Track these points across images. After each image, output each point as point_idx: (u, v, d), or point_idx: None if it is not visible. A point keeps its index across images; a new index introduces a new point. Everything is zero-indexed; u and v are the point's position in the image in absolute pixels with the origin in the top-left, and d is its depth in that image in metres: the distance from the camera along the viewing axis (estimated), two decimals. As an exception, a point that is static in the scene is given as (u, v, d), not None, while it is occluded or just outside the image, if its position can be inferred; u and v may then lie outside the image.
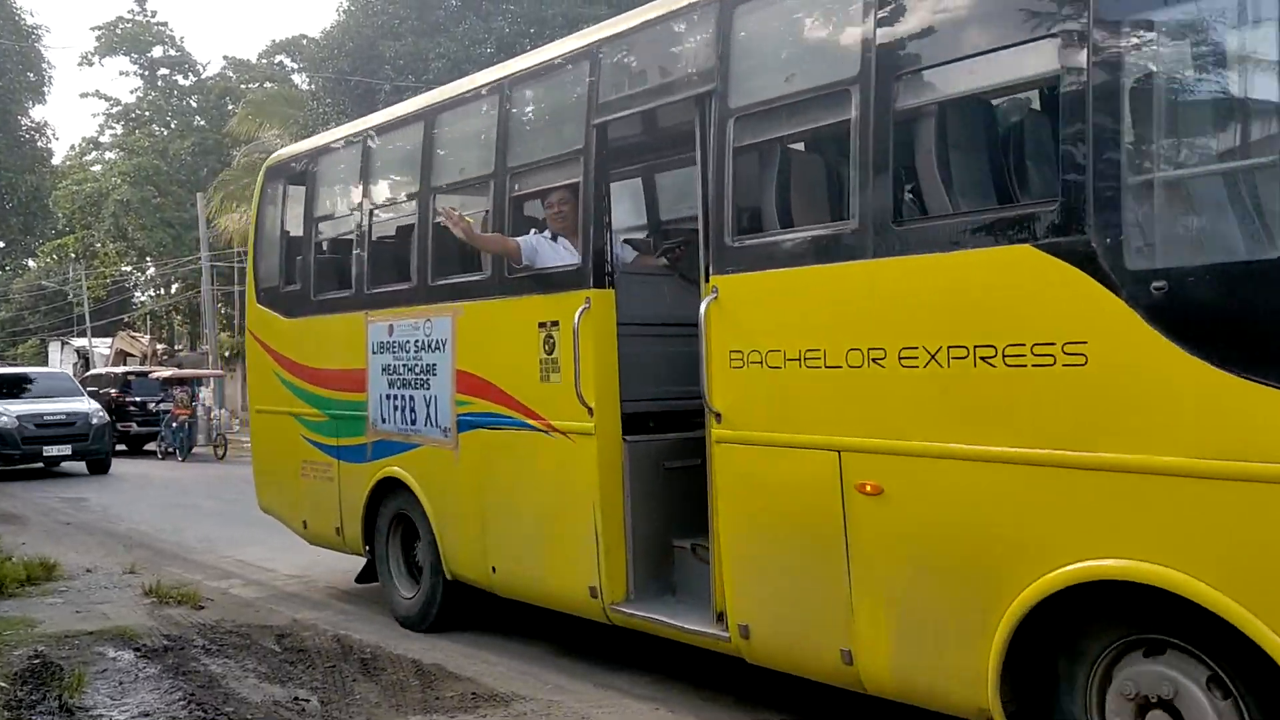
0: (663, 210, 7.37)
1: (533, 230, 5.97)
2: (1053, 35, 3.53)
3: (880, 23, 4.03)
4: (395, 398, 6.83)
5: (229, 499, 13.60)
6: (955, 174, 3.99)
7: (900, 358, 3.92)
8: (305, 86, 33.32)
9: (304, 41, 36.67)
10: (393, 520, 7.08)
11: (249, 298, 8.74)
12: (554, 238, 5.81)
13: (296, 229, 8.08)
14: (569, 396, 5.35)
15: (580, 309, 5.26)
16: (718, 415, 4.66)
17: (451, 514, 6.45)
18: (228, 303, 39.37)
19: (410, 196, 6.94)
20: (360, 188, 7.31)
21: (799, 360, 4.28)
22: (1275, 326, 3.01)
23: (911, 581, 3.96)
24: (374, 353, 7.01)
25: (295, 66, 39.50)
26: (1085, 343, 3.39)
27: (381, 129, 7.39)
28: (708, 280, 4.71)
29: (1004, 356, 3.60)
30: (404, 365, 6.74)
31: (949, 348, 3.77)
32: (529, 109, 6.16)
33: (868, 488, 4.05)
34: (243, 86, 42.14)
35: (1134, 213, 3.32)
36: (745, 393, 4.55)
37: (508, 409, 5.88)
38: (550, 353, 5.55)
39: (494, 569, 6.14)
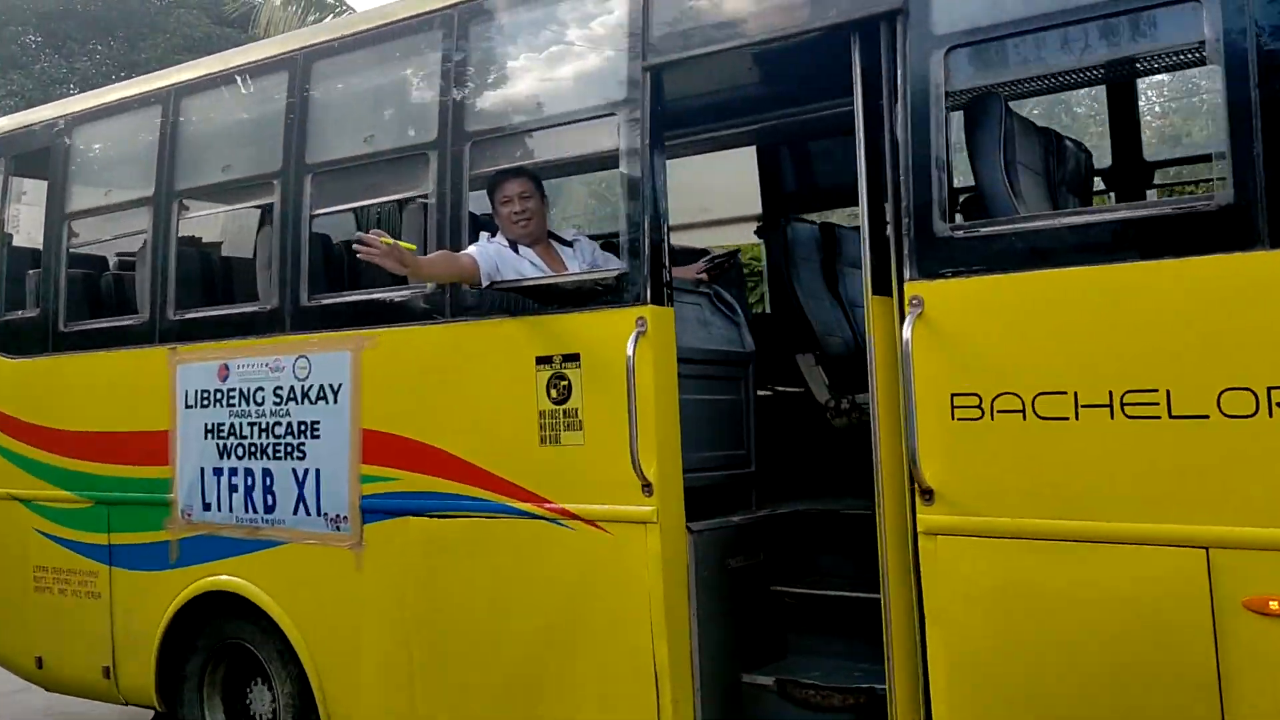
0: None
1: (483, 235, 4.01)
2: None
3: None
4: (232, 472, 4.58)
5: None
6: None
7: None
8: None
9: None
10: (212, 659, 4.82)
11: None
12: (514, 247, 3.98)
13: (30, 229, 5.65)
14: (601, 466, 3.55)
15: (634, 334, 3.42)
16: (927, 494, 2.99)
17: (345, 652, 4.24)
18: None
19: (263, 176, 4.62)
20: (162, 164, 4.91)
21: (1109, 407, 2.72)
22: None
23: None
24: (187, 406, 4.73)
25: None
26: None
27: (213, 81, 4.90)
28: (894, 292, 3.11)
29: None
30: (250, 424, 4.53)
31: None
32: (497, 39, 4.06)
33: (1271, 605, 2.50)
34: None
35: None
36: (985, 459, 2.92)
37: (471, 486, 3.87)
38: (561, 401, 3.65)
39: None
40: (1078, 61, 3.24)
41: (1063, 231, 2.91)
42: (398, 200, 4.60)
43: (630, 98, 3.56)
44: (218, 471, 4.63)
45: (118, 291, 5.32)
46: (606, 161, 4.10)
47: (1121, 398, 2.71)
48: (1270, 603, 2.51)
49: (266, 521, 4.48)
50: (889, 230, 3.13)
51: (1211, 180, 3.62)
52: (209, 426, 4.65)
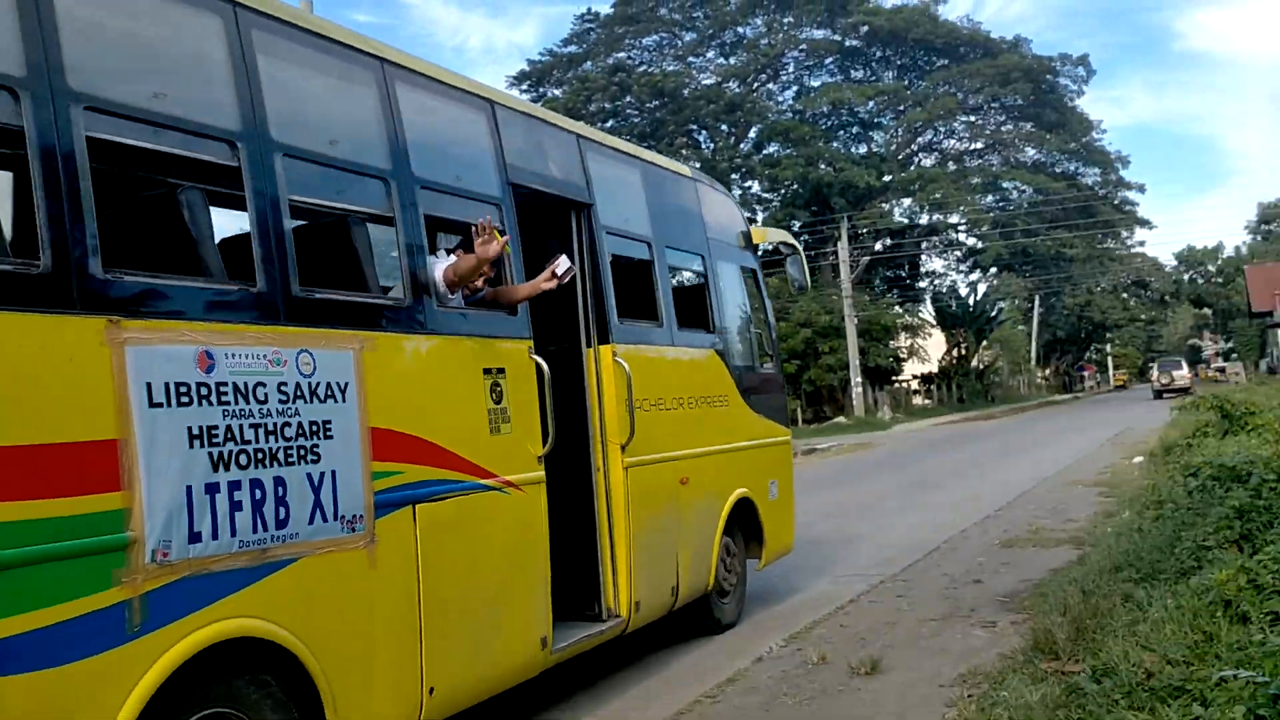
0: None
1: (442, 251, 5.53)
2: None
3: None
4: (234, 486, 3.77)
5: None
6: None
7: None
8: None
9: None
10: None
11: None
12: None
13: None
14: (519, 447, 5.62)
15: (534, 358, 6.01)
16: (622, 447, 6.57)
17: (359, 656, 4.27)
18: None
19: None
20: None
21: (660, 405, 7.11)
22: None
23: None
24: (153, 405, 3.51)
25: None
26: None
27: None
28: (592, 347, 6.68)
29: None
30: (253, 426, 3.87)
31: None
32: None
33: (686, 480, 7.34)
34: None
35: None
36: (637, 428, 6.62)
37: (454, 471, 4.93)
38: (499, 402, 5.52)
39: (431, 691, 4.63)
40: None
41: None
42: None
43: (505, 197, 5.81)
44: (212, 488, 3.68)
45: None
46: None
47: (660, 400, 7.05)
48: (684, 479, 7.23)
49: (278, 539, 3.91)
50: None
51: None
52: (194, 431, 3.64)
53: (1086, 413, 44.92)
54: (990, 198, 58.65)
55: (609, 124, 52.14)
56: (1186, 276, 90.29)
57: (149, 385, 3.49)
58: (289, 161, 4.29)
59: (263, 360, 3.95)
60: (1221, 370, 66.21)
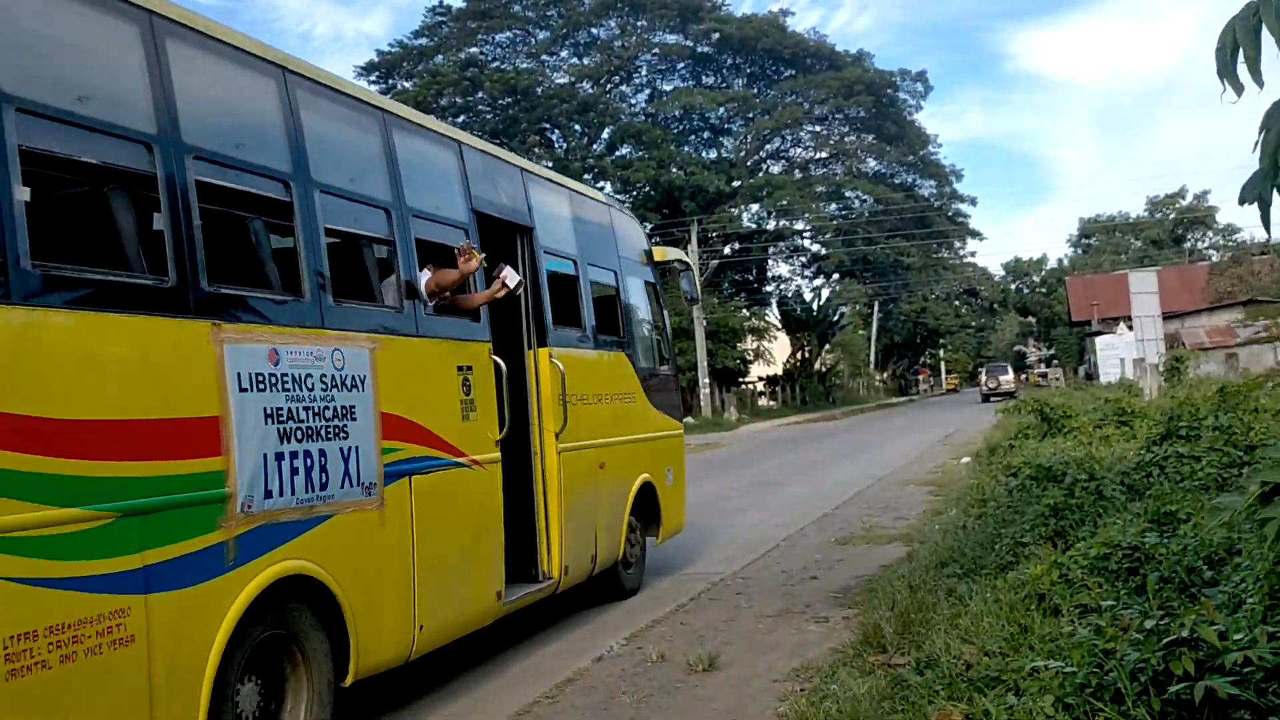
0: None
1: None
2: None
3: None
4: (293, 455, 4.88)
5: None
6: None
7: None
8: None
9: None
10: (246, 667, 4.63)
11: None
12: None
13: None
14: (482, 432, 6.78)
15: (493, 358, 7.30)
16: (556, 434, 7.73)
17: (371, 591, 5.42)
18: None
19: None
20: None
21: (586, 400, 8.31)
22: None
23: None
24: (241, 390, 4.59)
25: None
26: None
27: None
28: (533, 350, 7.82)
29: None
30: (304, 409, 4.98)
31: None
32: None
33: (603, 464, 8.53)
34: None
35: None
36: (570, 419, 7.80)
37: (438, 450, 6.12)
38: (469, 394, 6.60)
39: (421, 628, 5.81)
40: None
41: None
42: None
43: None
44: (279, 456, 4.78)
45: (124, 237, 4.20)
46: None
47: (585, 396, 8.18)
48: (602, 464, 8.45)
49: (320, 499, 5.03)
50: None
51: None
52: (268, 411, 4.73)
53: (920, 414, 46.83)
54: (834, 206, 60.50)
55: (460, 119, 51.49)
56: (1013, 286, 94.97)
57: (239, 375, 4.58)
58: (324, 196, 5.42)
59: (310, 356, 5.05)
60: (1044, 375, 69.98)
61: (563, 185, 9.11)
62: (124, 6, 4.33)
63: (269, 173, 5.14)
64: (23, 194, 3.69)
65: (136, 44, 4.37)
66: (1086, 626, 4.70)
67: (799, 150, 61.50)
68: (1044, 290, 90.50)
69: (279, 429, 4.78)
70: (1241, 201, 3.22)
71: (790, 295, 65.79)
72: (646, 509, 9.54)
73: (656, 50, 55.88)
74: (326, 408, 5.11)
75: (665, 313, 10.76)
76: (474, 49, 53.49)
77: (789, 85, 56.72)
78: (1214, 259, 70.90)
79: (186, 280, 4.38)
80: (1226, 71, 3.14)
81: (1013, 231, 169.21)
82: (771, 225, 58.88)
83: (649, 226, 50.74)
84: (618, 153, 54.05)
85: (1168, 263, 72.53)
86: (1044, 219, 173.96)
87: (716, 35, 54.59)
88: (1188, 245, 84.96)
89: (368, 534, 5.38)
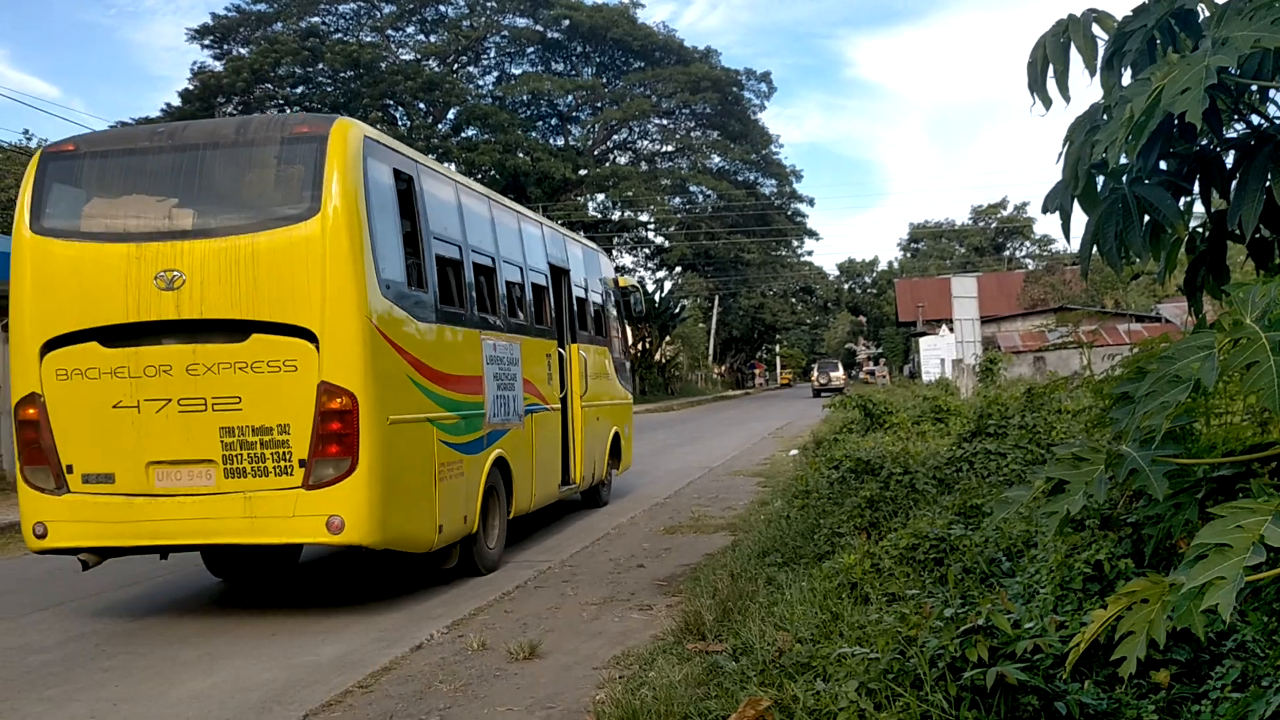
0: None
1: None
2: None
3: None
4: (500, 398, 9.88)
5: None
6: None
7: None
8: None
9: None
10: (484, 494, 9.31)
11: (363, 284, 7.37)
12: None
13: (409, 228, 8.53)
14: (555, 392, 12.07)
15: (576, 347, 13.14)
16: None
17: (521, 468, 10.35)
18: None
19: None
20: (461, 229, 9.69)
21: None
22: None
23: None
24: (487, 364, 9.65)
25: None
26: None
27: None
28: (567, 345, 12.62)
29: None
30: (503, 373, 10.03)
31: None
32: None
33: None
34: None
35: None
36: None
37: (540, 400, 11.25)
38: (554, 374, 11.99)
39: (533, 495, 10.87)
40: None
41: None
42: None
43: None
44: (499, 398, 9.82)
45: (456, 290, 9.32)
46: None
47: (589, 374, 13.43)
48: (598, 416, 13.59)
49: (507, 420, 10.00)
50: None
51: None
52: (494, 374, 9.75)
53: (755, 407, 47.95)
54: (678, 199, 61.23)
55: (299, 90, 49.73)
56: (846, 286, 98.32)
57: (490, 355, 9.59)
58: (504, 264, 10.50)
59: (506, 347, 10.07)
60: (872, 373, 72.71)
61: (579, 240, 14.58)
62: (482, 193, 10.75)
63: (533, 270, 11.42)
64: (434, 274, 8.64)
65: (486, 210, 10.46)
66: (892, 614, 4.86)
67: (646, 142, 61.99)
68: (875, 291, 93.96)
69: (497, 383, 9.78)
70: (1044, 210, 3.33)
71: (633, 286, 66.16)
72: (614, 451, 14.39)
73: (506, 33, 55.33)
74: (510, 373, 10.19)
75: (624, 321, 15.92)
76: (315, 19, 51.73)
77: (637, 77, 57.03)
78: (1030, 267, 75.04)
79: (471, 308, 9.43)
80: (1037, 86, 3.25)
81: (847, 233, 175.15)
82: (617, 215, 59.16)
83: (493, 211, 50.14)
84: (463, 134, 53.25)
85: (989, 269, 76.39)
86: (877, 222, 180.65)
87: (567, 22, 54.41)
88: (1007, 253, 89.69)
89: (520, 440, 10.38)
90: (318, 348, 7.23)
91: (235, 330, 7.37)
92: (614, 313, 15.19)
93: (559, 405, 11.86)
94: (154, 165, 7.88)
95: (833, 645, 4.78)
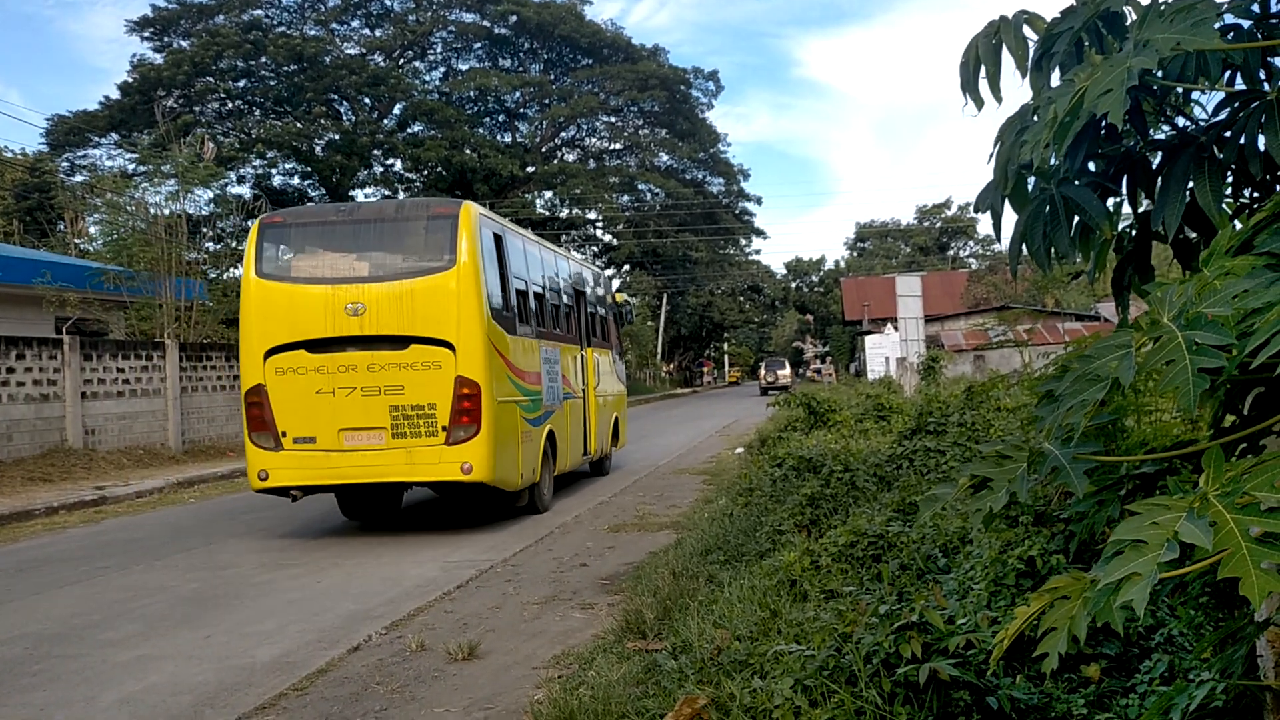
0: None
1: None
2: None
3: None
4: (552, 386, 13.73)
5: None
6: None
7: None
8: None
9: None
10: (545, 456, 13.19)
11: (482, 311, 11.30)
12: None
13: (500, 270, 12.36)
14: (590, 381, 16.75)
15: (611, 352, 19.31)
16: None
17: (563, 441, 14.15)
18: None
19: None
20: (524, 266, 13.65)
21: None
22: None
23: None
24: (543, 361, 13.54)
25: None
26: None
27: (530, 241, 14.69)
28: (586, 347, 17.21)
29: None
30: (555, 369, 14.10)
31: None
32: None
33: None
34: None
35: None
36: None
37: (571, 389, 15.12)
38: (590, 372, 16.74)
39: (569, 460, 14.76)
40: None
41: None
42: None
43: None
44: (552, 385, 13.67)
45: (526, 309, 13.27)
46: None
47: (599, 370, 17.94)
48: (604, 402, 17.91)
49: (555, 401, 13.80)
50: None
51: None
52: (548, 369, 13.52)
53: (703, 406, 48.09)
54: (626, 197, 61.23)
55: (241, 83, 48.94)
56: (794, 285, 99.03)
57: (544, 356, 13.58)
58: (570, 295, 16.03)
59: (552, 351, 14.05)
60: (819, 371, 73.26)
61: (589, 266, 19.54)
62: (559, 251, 17.00)
63: (566, 295, 15.58)
64: (515, 301, 12.59)
65: (538, 252, 14.74)
66: (829, 611, 4.89)
67: (594, 140, 61.91)
68: (822, 290, 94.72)
69: (547, 376, 13.31)
70: (976, 210, 3.35)
71: (580, 284, 66.00)
72: (615, 432, 18.36)
73: (452, 28, 54.87)
74: (556, 370, 13.79)
75: (620, 328, 20.45)
76: (258, 11, 50.86)
77: (585, 74, 56.92)
78: (974, 267, 76.09)
79: (533, 323, 13.29)
80: (969, 87, 3.27)
81: (795, 232, 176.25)
82: (565, 213, 59.01)
83: (439, 207, 49.81)
84: (409, 130, 52.77)
85: (933, 269, 77.31)
86: (824, 221, 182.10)
87: (514, 18, 54.10)
88: (951, 253, 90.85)
89: (561, 418, 13.98)
90: (454, 353, 10.99)
91: (399, 342, 11.08)
92: (613, 322, 19.56)
93: (581, 395, 15.78)
94: (340, 232, 11.82)
95: (771, 643, 4.80)
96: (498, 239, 12.15)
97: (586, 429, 15.90)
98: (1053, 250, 2.93)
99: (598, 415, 16.60)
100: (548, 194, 57.35)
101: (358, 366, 11.06)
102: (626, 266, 66.66)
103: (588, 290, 17.06)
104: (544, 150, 58.38)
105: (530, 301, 13.28)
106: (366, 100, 51.99)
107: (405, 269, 11.39)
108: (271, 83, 49.45)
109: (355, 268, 11.52)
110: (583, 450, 15.70)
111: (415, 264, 11.38)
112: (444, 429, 10.94)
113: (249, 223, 46.07)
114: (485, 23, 54.75)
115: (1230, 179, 2.78)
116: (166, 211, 24.47)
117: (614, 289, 20.50)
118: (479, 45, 56.11)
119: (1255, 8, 2.78)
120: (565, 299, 15.46)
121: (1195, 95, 3.04)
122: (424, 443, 10.96)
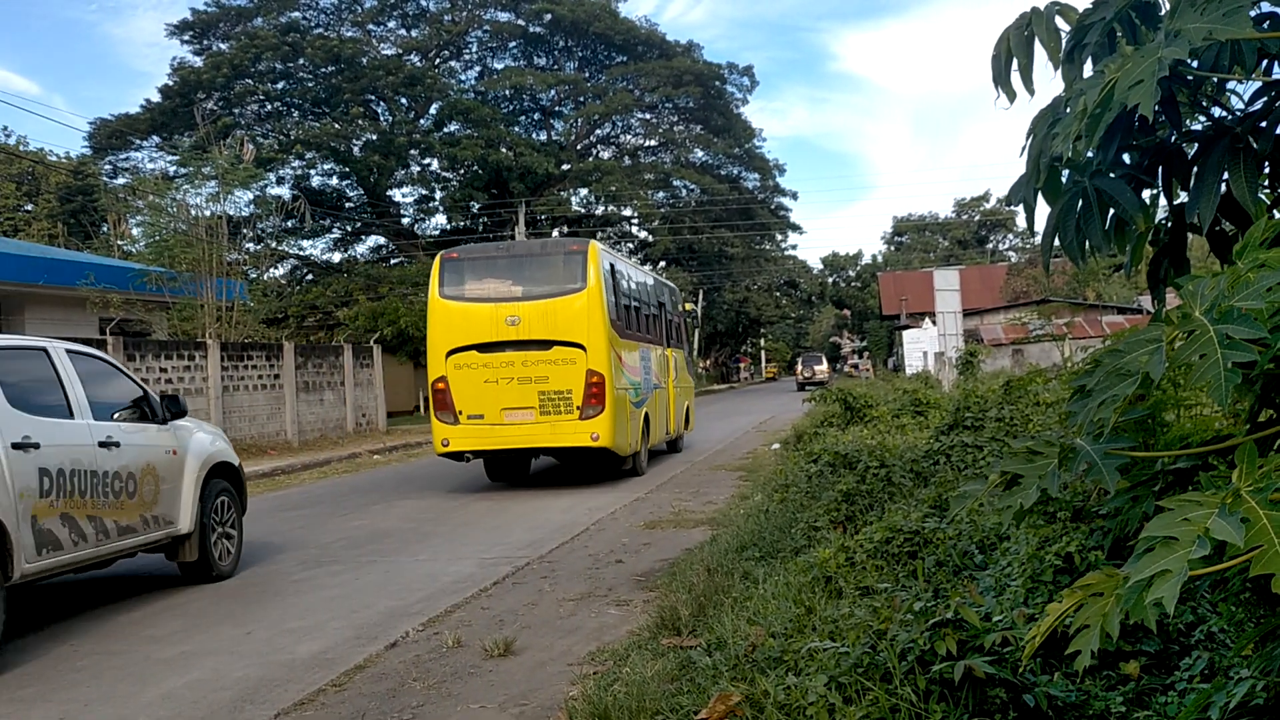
0: None
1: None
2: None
3: None
4: (646, 377, 17.54)
5: None
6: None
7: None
8: None
9: None
10: (643, 431, 17.15)
11: (605, 321, 15.35)
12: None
13: (614, 291, 16.42)
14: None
15: (676, 351, 22.66)
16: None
17: (655, 420, 18.12)
18: None
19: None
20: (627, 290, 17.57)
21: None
22: None
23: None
24: (641, 360, 17.29)
25: None
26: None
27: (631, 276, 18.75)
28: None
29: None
30: (648, 364, 17.79)
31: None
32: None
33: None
34: None
35: None
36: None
37: (639, 382, 17.38)
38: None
39: (657, 435, 18.50)
40: None
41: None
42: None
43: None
44: (646, 377, 17.69)
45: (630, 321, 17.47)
46: None
47: (675, 366, 22.11)
48: (680, 392, 22.25)
49: (648, 390, 17.80)
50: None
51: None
52: (644, 364, 17.75)
53: (739, 401, 47.98)
54: (661, 194, 61.15)
55: (279, 85, 49.42)
56: (831, 279, 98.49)
57: (640, 356, 17.60)
58: (659, 309, 20.29)
59: (646, 351, 18.15)
60: (856, 366, 72.85)
61: (668, 283, 22.88)
62: (661, 279, 23.00)
63: (653, 306, 19.51)
64: (624, 314, 16.98)
65: (636, 274, 19.50)
66: (864, 608, 4.87)
67: (629, 137, 61.88)
68: (859, 284, 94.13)
69: (643, 369, 17.43)
70: (1009, 203, 3.32)
71: (616, 281, 65.97)
72: (687, 418, 21.94)
73: (488, 27, 55.09)
74: (649, 365, 18.00)
75: (689, 330, 24.30)
76: (296, 13, 51.34)
77: (620, 71, 56.92)
78: (1013, 260, 75.30)
79: (635, 330, 17.49)
80: (1001, 79, 3.24)
81: (831, 226, 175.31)
82: (600, 210, 59.04)
83: (475, 206, 50.21)
84: (445, 129, 53.02)
85: (972, 262, 76.60)
86: (861, 216, 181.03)
87: (549, 16, 54.21)
88: (990, 246, 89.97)
89: (653, 403, 18.08)
90: (585, 352, 14.91)
91: (545, 344, 15.01)
92: (685, 326, 23.83)
93: (664, 386, 19.29)
94: (499, 264, 16.07)
95: (805, 639, 4.77)
96: (612, 267, 16.33)
97: (668, 413, 19.70)
98: (1086, 243, 2.90)
99: (675, 402, 20.52)
100: (583, 191, 57.42)
101: (514, 362, 14.97)
102: (662, 263, 66.61)
103: (667, 302, 21.29)
104: (579, 148, 58.46)
105: (632, 313, 17.46)
106: (403, 100, 52.34)
107: (549, 291, 15.25)
108: (309, 84, 49.90)
109: (511, 290, 15.49)
110: (665, 430, 19.42)
111: (556, 287, 15.24)
112: (578, 408, 14.85)
113: (288, 223, 47.05)
114: (520, 21, 54.91)
115: (1267, 170, 2.74)
116: (207, 213, 24.83)
117: (683, 299, 24.96)
118: (514, 44, 56.29)
119: (1291, -5, 2.73)
120: (653, 310, 19.44)
121: (1231, 85, 3.00)
122: (563, 418, 14.87)
